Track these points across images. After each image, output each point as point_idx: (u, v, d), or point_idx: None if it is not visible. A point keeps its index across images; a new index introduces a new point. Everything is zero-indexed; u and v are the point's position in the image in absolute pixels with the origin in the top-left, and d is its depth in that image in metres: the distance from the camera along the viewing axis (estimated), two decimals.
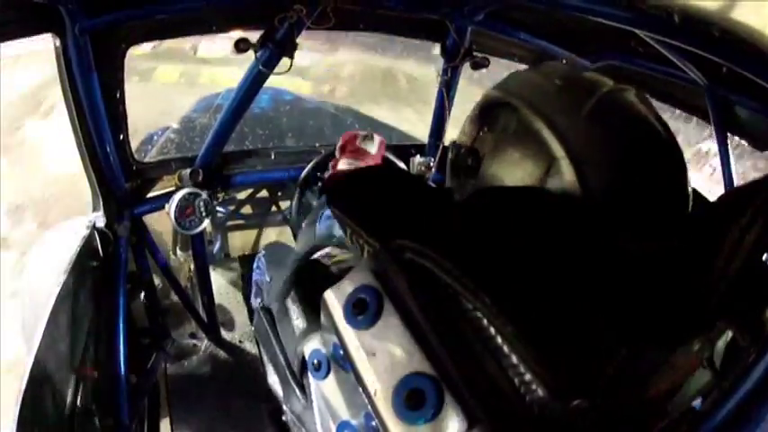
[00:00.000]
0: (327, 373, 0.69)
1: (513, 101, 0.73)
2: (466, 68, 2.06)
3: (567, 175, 0.66)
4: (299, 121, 4.36)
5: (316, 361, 0.71)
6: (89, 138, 1.46)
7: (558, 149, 0.67)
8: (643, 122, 0.70)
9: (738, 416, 0.46)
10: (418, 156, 2.28)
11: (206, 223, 1.88)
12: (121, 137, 1.59)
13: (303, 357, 0.78)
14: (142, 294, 2.01)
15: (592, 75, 0.75)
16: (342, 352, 0.62)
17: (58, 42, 1.26)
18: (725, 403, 0.47)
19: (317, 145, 2.27)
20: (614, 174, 0.67)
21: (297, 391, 0.89)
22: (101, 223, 1.64)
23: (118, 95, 1.52)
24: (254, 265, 1.55)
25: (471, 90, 1.86)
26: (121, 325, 1.71)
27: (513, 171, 0.72)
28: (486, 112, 0.79)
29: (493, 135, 0.76)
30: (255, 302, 1.39)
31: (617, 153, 0.68)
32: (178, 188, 1.79)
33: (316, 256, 0.98)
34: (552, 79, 0.74)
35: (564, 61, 1.74)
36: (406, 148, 2.34)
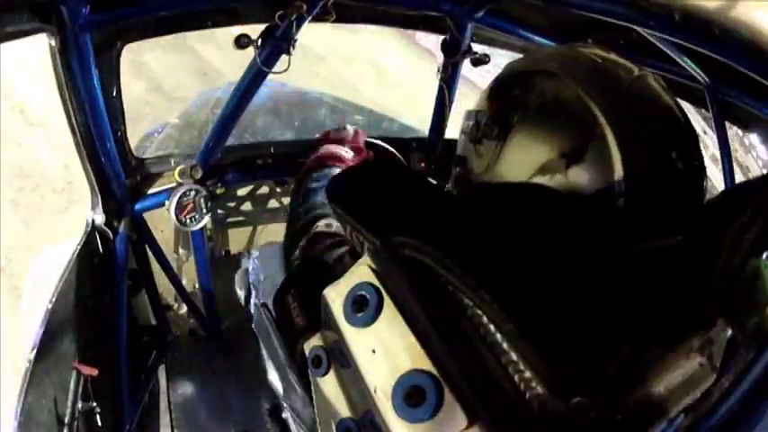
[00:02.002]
0: (327, 370, 0.69)
1: (553, 69, 0.73)
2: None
3: (610, 145, 0.66)
4: (298, 113, 4.34)
5: (316, 358, 0.71)
6: (87, 135, 1.45)
7: (601, 119, 0.67)
8: (673, 108, 0.71)
9: (738, 414, 0.46)
10: (419, 150, 2.28)
11: (206, 220, 1.88)
12: (119, 134, 1.59)
13: (303, 354, 0.78)
14: (143, 292, 2.01)
15: (621, 57, 0.76)
16: (342, 349, 0.62)
17: (54, 40, 1.25)
18: (724, 401, 0.47)
19: (318, 136, 2.27)
20: (653, 150, 0.67)
21: (297, 388, 0.89)
22: (100, 221, 1.64)
23: (115, 92, 1.52)
24: (250, 267, 1.56)
25: None
26: (122, 322, 1.72)
27: (549, 140, 0.71)
28: (517, 80, 0.78)
29: (526, 103, 0.76)
30: (251, 305, 1.39)
31: (655, 131, 0.68)
32: (178, 185, 1.79)
33: (319, 226, 0.99)
34: (589, 54, 0.74)
35: None
36: (406, 142, 2.34)
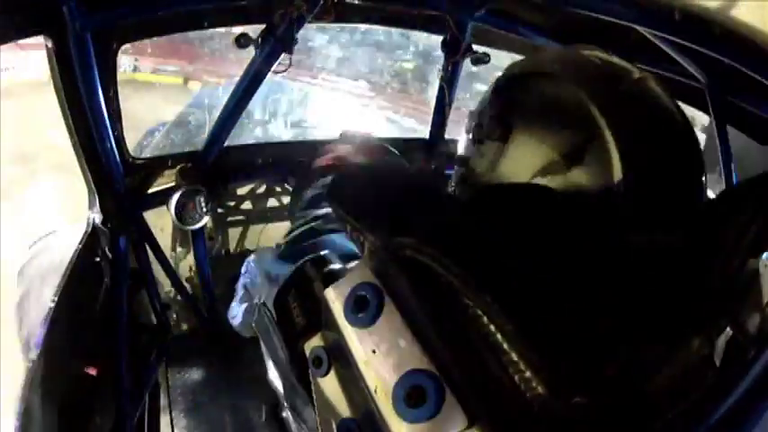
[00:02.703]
0: (328, 370, 0.69)
1: (553, 70, 0.74)
2: None
3: (609, 146, 0.67)
4: (296, 111, 4.36)
5: (316, 358, 0.71)
6: (86, 136, 1.45)
7: (600, 120, 0.67)
8: (671, 109, 0.71)
9: (737, 414, 0.46)
10: (419, 151, 2.29)
11: (206, 219, 1.88)
12: (117, 133, 1.59)
13: (303, 354, 0.78)
14: (143, 291, 2.01)
15: (621, 60, 0.76)
16: (342, 349, 0.62)
17: (51, 42, 1.25)
18: (724, 401, 0.47)
19: (316, 137, 2.28)
20: (653, 151, 0.68)
21: (297, 387, 0.89)
22: (100, 220, 1.64)
23: (111, 93, 1.52)
24: (243, 270, 1.56)
25: None
26: (122, 322, 1.71)
27: (549, 141, 0.72)
28: (518, 82, 0.79)
29: (527, 104, 0.77)
30: (240, 308, 1.40)
31: (655, 132, 0.69)
32: (178, 184, 1.79)
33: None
34: (589, 57, 0.75)
35: None
36: (406, 143, 2.34)
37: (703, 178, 0.72)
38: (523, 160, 0.74)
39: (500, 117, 0.78)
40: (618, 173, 0.66)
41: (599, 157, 0.67)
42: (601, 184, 0.67)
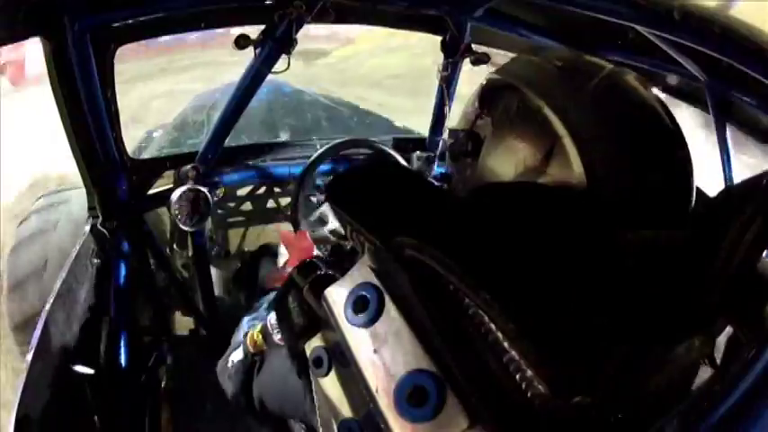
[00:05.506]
0: (329, 370, 0.69)
1: (514, 82, 0.73)
2: None
3: (570, 154, 0.66)
4: (297, 114, 4.34)
5: (317, 358, 0.71)
6: (85, 137, 1.45)
7: (560, 128, 0.67)
8: (645, 104, 0.70)
9: (739, 412, 0.46)
10: (418, 150, 2.29)
11: (206, 220, 1.88)
12: (115, 135, 1.59)
13: (304, 354, 0.78)
14: (143, 292, 2.01)
15: (592, 58, 0.76)
16: (343, 349, 0.62)
17: (49, 43, 1.25)
18: (725, 400, 0.47)
19: (315, 138, 2.29)
20: (618, 153, 0.67)
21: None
22: (98, 222, 1.64)
23: (109, 94, 1.52)
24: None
25: None
26: (122, 323, 1.72)
27: (515, 153, 0.72)
28: (487, 95, 0.79)
29: (493, 118, 0.77)
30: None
31: (620, 132, 0.67)
32: (178, 185, 1.79)
33: None
34: (553, 61, 0.74)
35: None
36: (406, 143, 2.35)
37: (686, 165, 0.70)
38: (495, 173, 0.75)
39: (471, 133, 0.79)
40: (581, 181, 0.66)
41: (562, 167, 0.67)
42: (568, 190, 0.67)
